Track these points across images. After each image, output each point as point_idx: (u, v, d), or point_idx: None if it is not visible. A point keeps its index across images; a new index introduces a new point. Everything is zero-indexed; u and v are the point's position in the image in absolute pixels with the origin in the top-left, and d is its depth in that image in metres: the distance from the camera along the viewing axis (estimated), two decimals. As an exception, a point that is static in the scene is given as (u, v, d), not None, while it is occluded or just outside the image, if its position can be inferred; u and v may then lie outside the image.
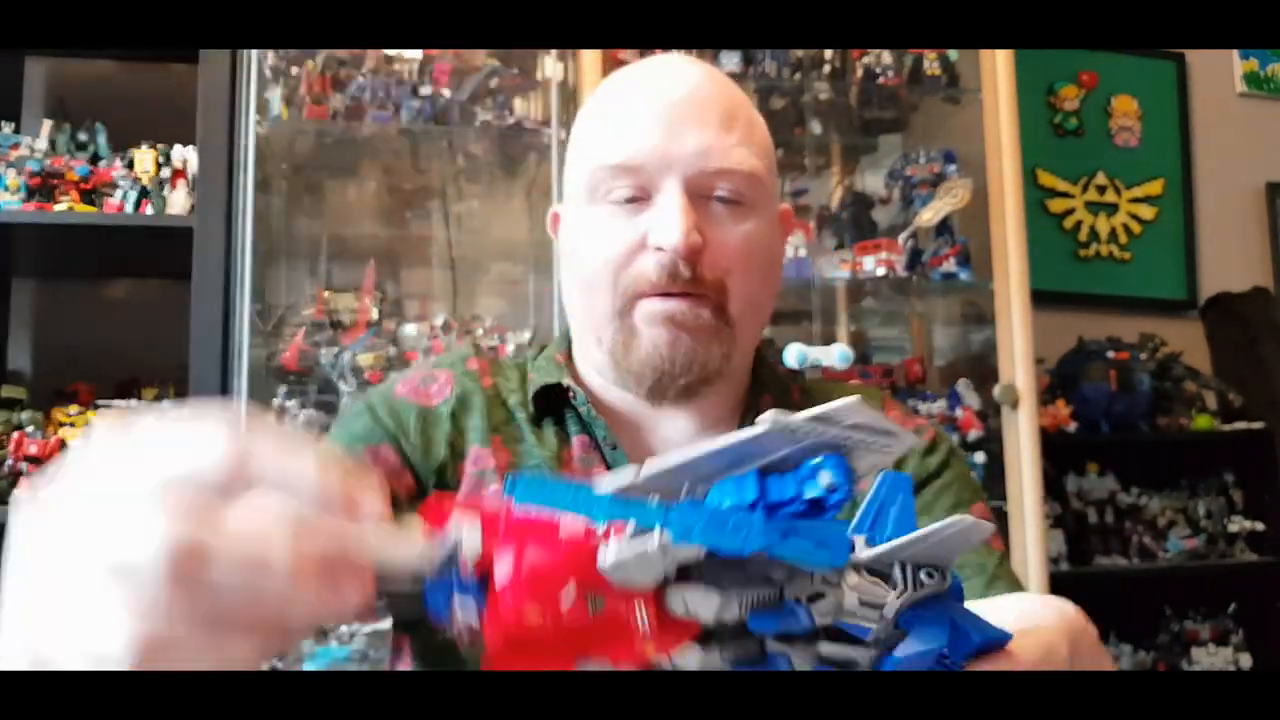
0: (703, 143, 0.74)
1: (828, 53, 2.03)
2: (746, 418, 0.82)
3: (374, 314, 1.83)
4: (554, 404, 0.81)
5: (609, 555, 0.34)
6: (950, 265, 2.01)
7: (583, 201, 0.78)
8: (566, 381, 0.80)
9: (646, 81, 0.79)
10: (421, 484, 0.77)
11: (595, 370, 0.83)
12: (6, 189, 1.73)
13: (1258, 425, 2.49)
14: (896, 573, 0.40)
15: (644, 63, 0.84)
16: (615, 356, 0.77)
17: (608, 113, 0.79)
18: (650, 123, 0.74)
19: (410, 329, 1.83)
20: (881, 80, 2.05)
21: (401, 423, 0.78)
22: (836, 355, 1.79)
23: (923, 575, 0.40)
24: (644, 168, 0.74)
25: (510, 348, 1.80)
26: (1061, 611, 0.56)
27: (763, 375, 0.86)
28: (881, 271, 1.97)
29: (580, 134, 0.82)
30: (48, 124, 1.84)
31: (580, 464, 0.79)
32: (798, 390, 0.88)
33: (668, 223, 0.72)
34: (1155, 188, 2.87)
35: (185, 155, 1.80)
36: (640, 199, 0.75)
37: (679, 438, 0.81)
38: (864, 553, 0.40)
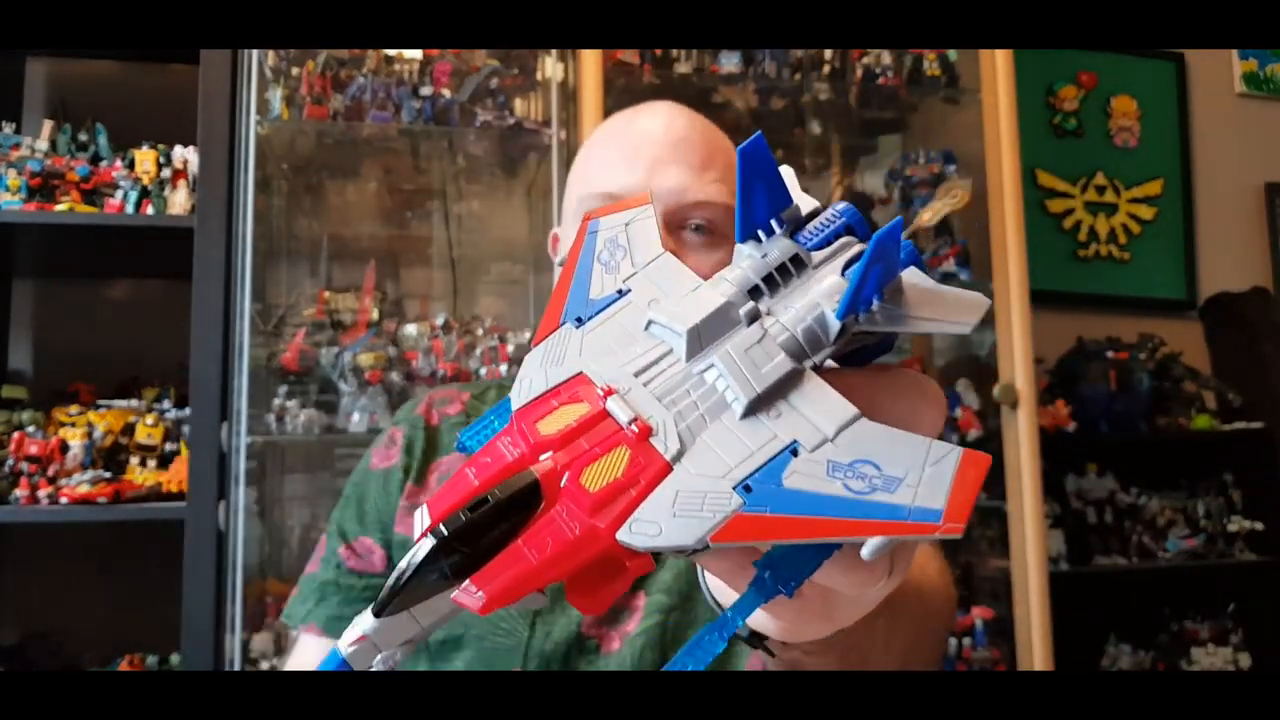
0: (680, 180, 0.83)
1: (827, 53, 2.03)
2: None
3: (374, 314, 1.83)
4: None
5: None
6: (950, 265, 2.01)
7: (573, 223, 0.88)
8: None
9: (636, 124, 0.89)
10: (388, 541, 0.92)
11: None
12: (7, 189, 1.73)
13: (1257, 425, 2.49)
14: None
15: (639, 108, 0.93)
16: None
17: (601, 148, 0.90)
18: (635, 160, 0.85)
19: (410, 329, 1.83)
20: (881, 81, 2.05)
21: (373, 497, 0.94)
22: (836, 355, 1.79)
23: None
24: (626, 198, 0.81)
25: (510, 347, 1.81)
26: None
27: None
28: (881, 271, 1.97)
29: (578, 165, 0.93)
30: (48, 124, 1.84)
31: None
32: None
33: None
34: (1154, 188, 2.87)
35: (186, 155, 1.81)
36: None
37: None
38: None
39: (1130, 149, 2.87)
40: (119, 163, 1.82)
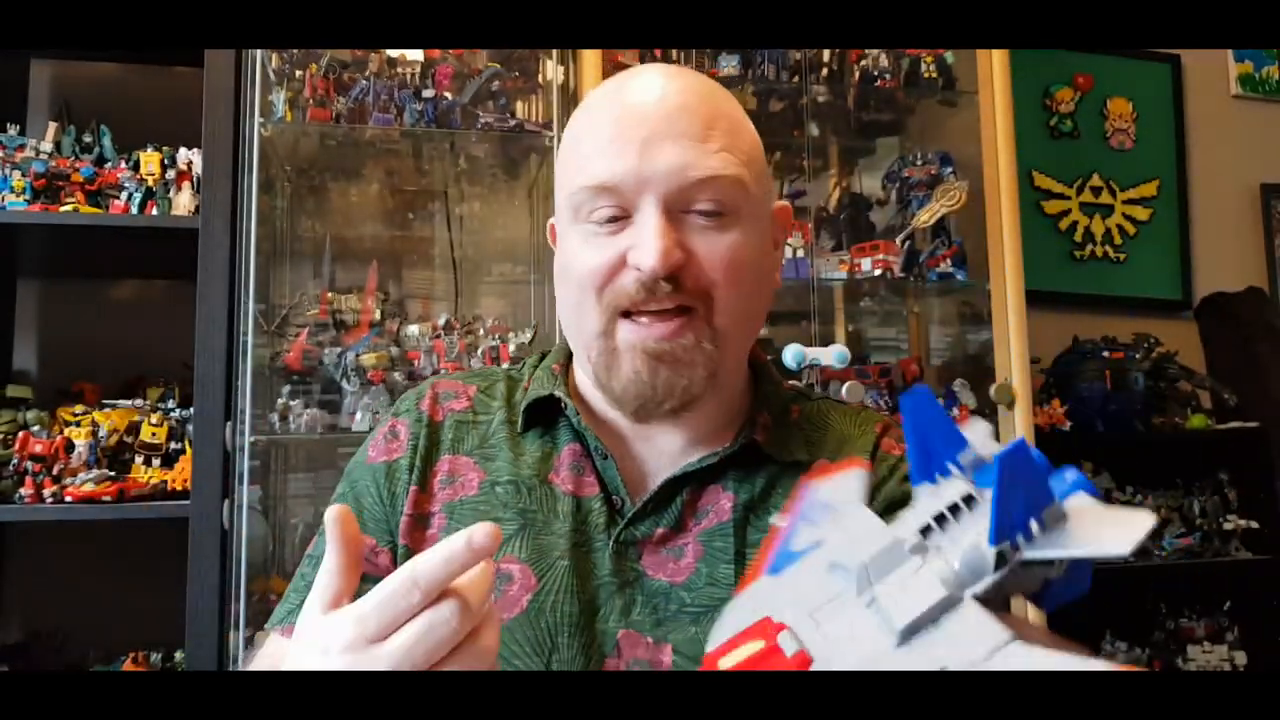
0: (679, 158, 0.73)
1: (825, 55, 2.05)
2: (743, 432, 0.82)
3: (377, 314, 1.84)
4: (547, 414, 0.85)
5: None
6: (947, 266, 2.03)
7: (568, 221, 0.79)
8: (558, 393, 0.83)
9: (623, 96, 0.78)
10: (394, 545, 0.81)
11: (590, 381, 0.84)
12: (12, 190, 1.74)
13: (1252, 424, 2.50)
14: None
15: (624, 75, 0.82)
16: (600, 378, 0.79)
17: (588, 131, 0.78)
18: (626, 141, 0.74)
19: (413, 329, 1.84)
20: (879, 83, 2.07)
21: (372, 493, 0.83)
22: (834, 355, 1.81)
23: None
24: (620, 188, 0.74)
25: (511, 348, 1.82)
26: None
27: (765, 391, 0.87)
28: (879, 272, 1.99)
29: (565, 151, 0.82)
30: (53, 126, 1.86)
31: (571, 470, 0.82)
32: (796, 410, 0.88)
33: (645, 245, 0.73)
34: (1150, 189, 2.89)
35: (190, 157, 1.82)
36: (621, 217, 0.75)
37: (670, 448, 0.82)
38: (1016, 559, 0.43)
39: (1126, 150, 2.89)
40: (123, 164, 1.83)
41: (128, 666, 1.83)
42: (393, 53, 1.85)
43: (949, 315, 2.29)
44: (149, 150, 1.83)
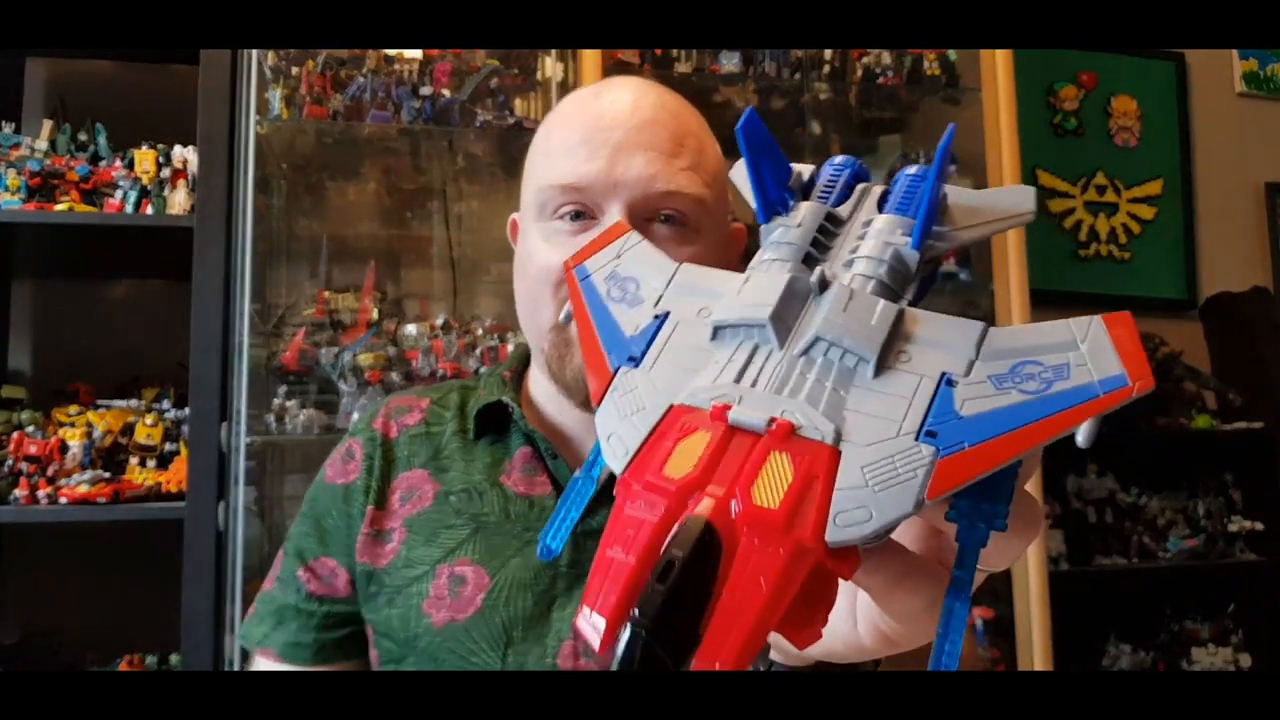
0: (647, 168, 0.76)
1: (827, 53, 2.03)
2: None
3: (374, 314, 1.83)
4: (498, 421, 0.87)
5: None
6: (950, 265, 2.01)
7: (532, 217, 0.81)
8: (505, 399, 0.86)
9: (599, 103, 0.81)
10: (351, 565, 0.85)
11: (544, 379, 0.85)
12: (7, 189, 1.73)
13: (1257, 425, 2.49)
14: None
15: (600, 85, 0.85)
16: (552, 368, 0.81)
17: (560, 133, 0.81)
18: (599, 145, 0.77)
19: (410, 329, 1.83)
20: (881, 80, 2.05)
21: (332, 515, 0.87)
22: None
23: None
24: (590, 188, 0.77)
25: (510, 347, 1.81)
26: None
27: None
28: (881, 271, 1.97)
29: (536, 149, 0.84)
30: (48, 124, 1.84)
31: (523, 472, 0.85)
32: None
33: None
34: (1155, 188, 2.87)
35: (185, 155, 1.80)
36: (587, 216, 0.78)
37: None
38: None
39: (1130, 149, 2.87)
40: (118, 162, 1.81)
41: (122, 669, 1.81)
42: (390, 50, 1.83)
43: (953, 315, 2.27)
44: (144, 148, 1.81)
